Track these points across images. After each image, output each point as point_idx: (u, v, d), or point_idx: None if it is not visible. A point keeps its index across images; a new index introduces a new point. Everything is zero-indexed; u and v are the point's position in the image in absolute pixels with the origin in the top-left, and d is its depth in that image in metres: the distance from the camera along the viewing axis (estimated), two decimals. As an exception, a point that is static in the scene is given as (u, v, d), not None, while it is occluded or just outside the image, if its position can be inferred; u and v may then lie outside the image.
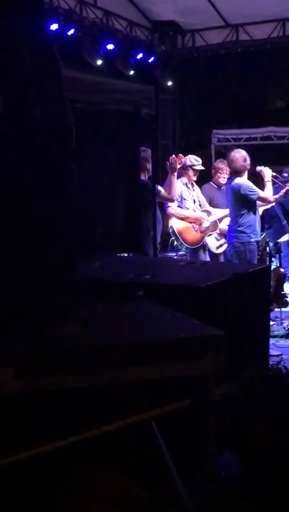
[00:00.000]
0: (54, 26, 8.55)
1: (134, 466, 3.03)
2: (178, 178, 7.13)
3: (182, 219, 7.41)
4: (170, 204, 7.30)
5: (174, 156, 6.99)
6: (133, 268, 4.54)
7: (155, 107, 7.33)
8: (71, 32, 9.09)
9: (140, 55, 10.55)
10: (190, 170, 7.45)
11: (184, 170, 7.38)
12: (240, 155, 6.85)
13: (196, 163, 7.49)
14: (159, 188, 6.91)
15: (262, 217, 7.54)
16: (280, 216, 8.09)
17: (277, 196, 7.06)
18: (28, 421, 2.78)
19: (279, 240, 8.29)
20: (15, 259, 2.59)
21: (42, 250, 2.67)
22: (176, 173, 6.88)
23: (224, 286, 3.86)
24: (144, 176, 6.76)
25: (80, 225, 5.46)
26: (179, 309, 2.93)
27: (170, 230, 7.47)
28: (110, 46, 9.85)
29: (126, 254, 6.41)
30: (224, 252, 7.60)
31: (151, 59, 10.81)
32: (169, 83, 11.65)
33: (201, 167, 7.53)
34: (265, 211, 7.67)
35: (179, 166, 6.94)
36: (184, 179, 7.47)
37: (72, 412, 2.83)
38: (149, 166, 6.77)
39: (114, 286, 3.91)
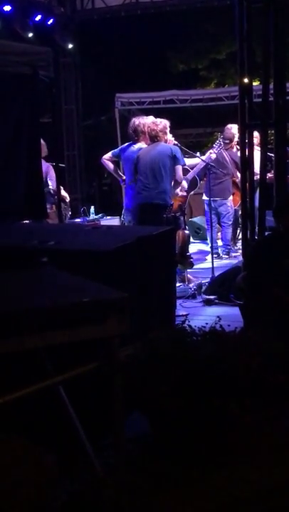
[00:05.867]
0: None
1: (44, 432, 3.02)
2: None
3: None
4: None
5: None
6: (38, 234, 4.47)
7: (56, 71, 7.13)
8: None
9: (39, 17, 10.28)
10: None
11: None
12: (136, 121, 6.89)
13: None
14: None
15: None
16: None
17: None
18: None
19: (228, 199, 8.83)
20: None
21: None
22: None
23: (129, 250, 3.87)
24: None
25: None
26: (84, 274, 2.92)
27: None
28: (7, 8, 9.53)
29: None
30: None
31: (50, 21, 10.55)
32: (70, 46, 11.43)
33: None
34: (220, 170, 8.07)
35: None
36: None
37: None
38: None
39: (18, 253, 3.85)
